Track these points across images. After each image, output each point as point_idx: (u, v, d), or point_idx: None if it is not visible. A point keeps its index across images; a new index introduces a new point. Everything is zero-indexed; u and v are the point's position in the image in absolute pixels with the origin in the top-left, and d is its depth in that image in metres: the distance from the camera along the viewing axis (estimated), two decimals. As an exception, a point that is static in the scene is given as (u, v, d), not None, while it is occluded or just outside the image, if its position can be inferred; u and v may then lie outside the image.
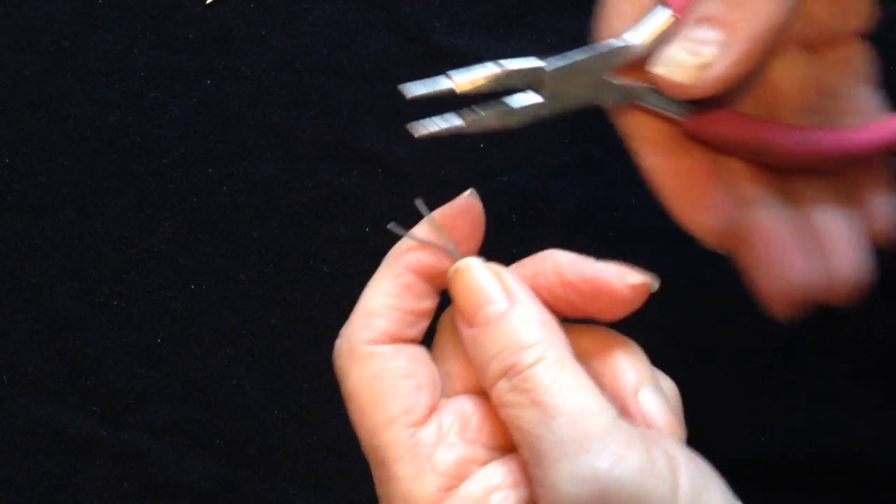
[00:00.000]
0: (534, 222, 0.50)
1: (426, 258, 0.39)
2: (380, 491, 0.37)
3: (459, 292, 0.38)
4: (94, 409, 0.50)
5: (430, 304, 0.39)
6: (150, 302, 0.51)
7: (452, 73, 0.38)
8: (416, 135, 0.38)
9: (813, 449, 0.49)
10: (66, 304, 0.51)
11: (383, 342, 0.38)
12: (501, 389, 0.35)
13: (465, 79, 0.38)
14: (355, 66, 0.52)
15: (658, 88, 0.37)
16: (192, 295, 0.51)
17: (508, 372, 0.35)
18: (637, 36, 0.37)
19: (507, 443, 0.37)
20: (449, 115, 0.39)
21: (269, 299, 0.51)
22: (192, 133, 0.51)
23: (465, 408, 0.37)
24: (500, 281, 0.37)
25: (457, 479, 0.36)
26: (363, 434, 0.37)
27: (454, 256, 0.38)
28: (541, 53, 0.51)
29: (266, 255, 0.51)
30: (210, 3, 0.52)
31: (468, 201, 0.40)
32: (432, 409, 0.37)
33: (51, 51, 0.52)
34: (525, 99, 0.38)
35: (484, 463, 0.37)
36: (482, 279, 0.37)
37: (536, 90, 0.38)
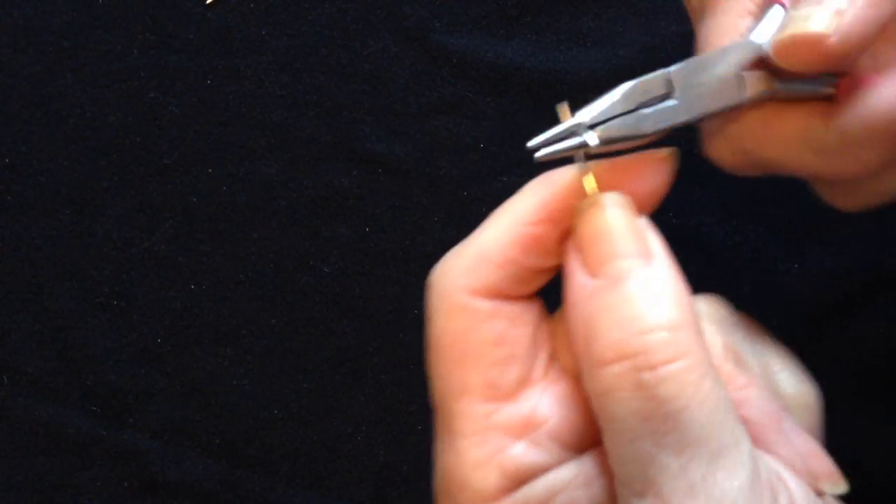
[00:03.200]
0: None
1: (566, 204, 0.32)
2: (437, 454, 0.32)
3: (588, 231, 0.31)
4: (94, 409, 0.50)
5: (556, 261, 0.32)
6: (150, 302, 0.51)
7: (581, 113, 0.33)
8: (538, 158, 0.33)
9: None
10: (66, 304, 0.51)
11: (485, 296, 0.32)
12: (612, 376, 0.28)
13: (592, 112, 0.33)
14: (355, 66, 0.52)
15: (790, 63, 0.33)
16: (192, 295, 0.51)
17: (632, 357, 0.28)
18: (759, 35, 0.35)
19: (593, 441, 0.31)
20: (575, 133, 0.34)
21: (269, 299, 0.51)
22: (192, 133, 0.51)
23: (563, 392, 0.32)
24: (644, 234, 0.31)
25: (523, 481, 0.31)
26: (436, 389, 0.32)
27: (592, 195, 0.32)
28: (541, 53, 0.51)
29: (266, 255, 0.51)
30: (210, 3, 0.52)
31: (659, 155, 0.33)
32: (522, 385, 0.32)
33: (51, 51, 0.52)
34: (657, 106, 0.34)
35: (559, 464, 0.31)
36: (625, 223, 0.31)
37: (666, 99, 0.34)
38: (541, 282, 0.33)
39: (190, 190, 0.51)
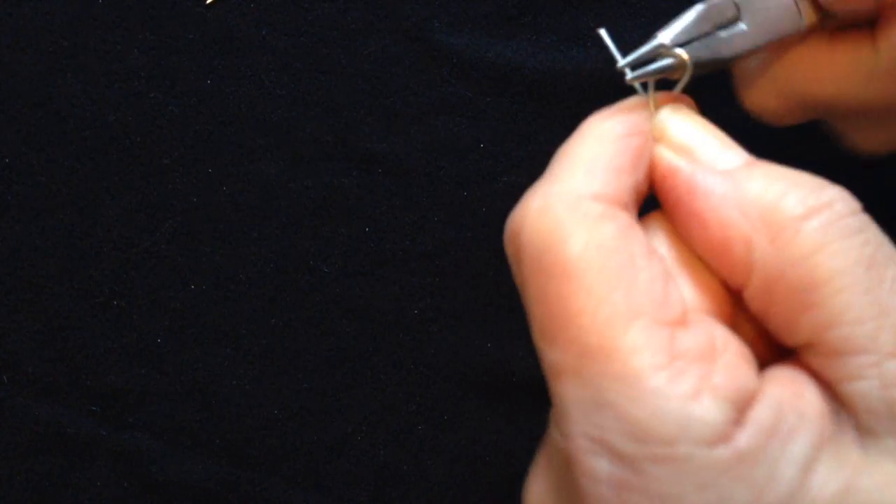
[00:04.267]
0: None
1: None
2: (588, 419, 0.26)
3: (688, 134, 0.29)
4: (94, 409, 0.50)
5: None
6: (150, 302, 0.51)
7: (662, 34, 0.33)
8: (628, 79, 0.31)
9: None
10: (66, 304, 0.51)
11: (618, 206, 0.28)
12: (816, 230, 0.26)
13: (673, 32, 0.33)
14: (355, 66, 0.52)
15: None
16: (192, 295, 0.51)
17: (826, 207, 0.26)
18: None
19: (766, 355, 0.29)
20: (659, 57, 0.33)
21: (269, 299, 0.50)
22: (192, 133, 0.51)
23: (718, 310, 0.28)
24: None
25: (747, 407, 0.26)
26: (582, 328, 0.26)
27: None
28: (541, 53, 0.51)
29: (266, 255, 0.51)
30: (210, 3, 0.52)
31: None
32: (685, 313, 0.27)
33: (51, 51, 0.52)
34: (731, 30, 0.33)
35: (765, 383, 0.27)
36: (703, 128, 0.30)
37: (735, 23, 0.33)
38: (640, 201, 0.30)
39: (190, 190, 0.51)
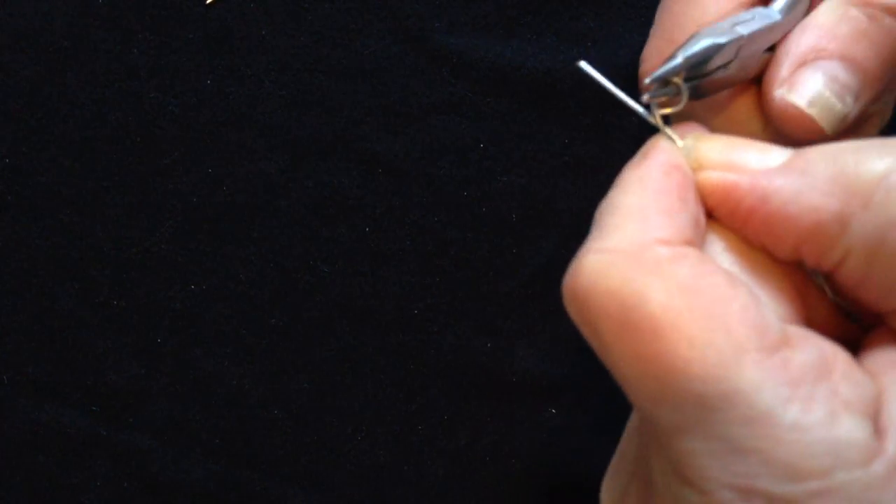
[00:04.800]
0: (534, 222, 0.50)
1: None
2: (736, 474, 0.25)
3: (728, 146, 0.29)
4: (94, 409, 0.50)
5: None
6: (150, 302, 0.51)
7: (680, 53, 0.32)
8: (646, 98, 0.32)
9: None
10: (66, 304, 0.51)
11: (683, 245, 0.27)
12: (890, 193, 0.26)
13: (690, 51, 0.32)
14: (355, 66, 0.51)
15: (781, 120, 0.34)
16: (192, 295, 0.51)
17: (889, 174, 0.26)
18: (792, 9, 0.35)
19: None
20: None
21: (269, 299, 0.50)
22: (192, 133, 0.51)
23: (812, 317, 0.28)
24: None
25: (875, 416, 0.26)
26: (688, 379, 0.24)
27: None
28: (541, 54, 0.51)
29: (266, 255, 0.51)
30: (210, 3, 0.52)
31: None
32: (785, 332, 0.26)
33: (51, 51, 0.52)
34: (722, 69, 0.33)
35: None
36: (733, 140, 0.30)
37: (731, 62, 0.34)
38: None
39: (190, 190, 0.51)
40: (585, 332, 0.27)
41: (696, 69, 0.32)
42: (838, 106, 0.32)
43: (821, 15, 0.34)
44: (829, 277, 0.29)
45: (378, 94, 0.51)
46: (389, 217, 0.51)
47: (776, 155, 0.29)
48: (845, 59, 0.33)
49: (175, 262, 0.51)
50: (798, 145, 0.30)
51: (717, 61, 0.33)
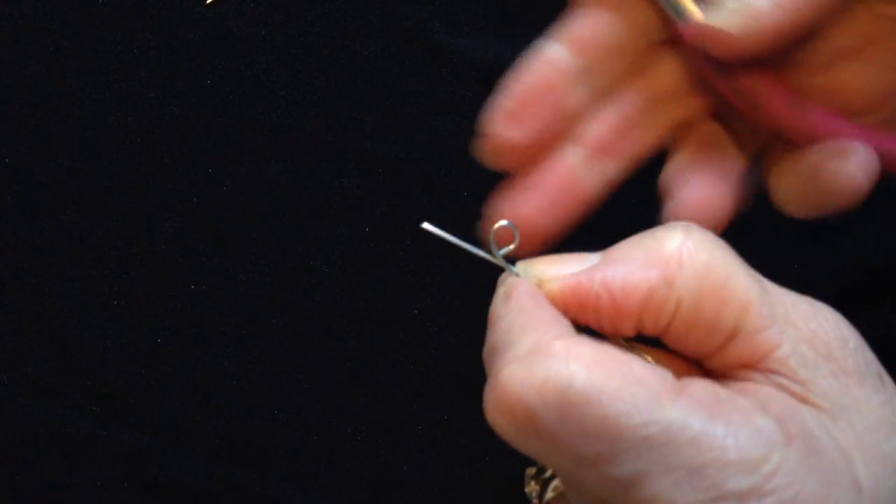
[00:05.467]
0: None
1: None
2: (701, 489, 0.30)
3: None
4: (94, 409, 0.50)
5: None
6: (150, 302, 0.51)
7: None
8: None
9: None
10: (66, 304, 0.51)
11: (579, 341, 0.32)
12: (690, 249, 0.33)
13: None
14: (355, 66, 0.52)
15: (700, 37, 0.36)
16: (192, 295, 0.51)
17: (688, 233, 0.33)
18: None
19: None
20: None
21: (269, 299, 0.51)
22: (192, 133, 0.51)
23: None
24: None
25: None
26: (631, 431, 0.30)
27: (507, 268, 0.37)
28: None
29: (266, 255, 0.51)
30: (210, 3, 0.52)
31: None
32: (678, 378, 0.32)
33: (51, 51, 0.52)
34: None
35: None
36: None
37: None
38: None
39: (190, 190, 0.51)
40: (523, 437, 0.31)
41: None
42: (737, 4, 0.35)
43: None
44: (662, 339, 0.34)
45: (378, 94, 0.51)
46: (389, 217, 0.51)
47: (591, 257, 0.35)
48: None
49: (175, 262, 0.51)
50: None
51: None
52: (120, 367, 0.50)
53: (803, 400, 0.32)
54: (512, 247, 0.38)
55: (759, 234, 0.50)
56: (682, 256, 0.33)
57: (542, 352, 0.31)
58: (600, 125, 0.39)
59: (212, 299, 0.51)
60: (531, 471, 0.40)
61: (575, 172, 0.39)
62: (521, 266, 0.37)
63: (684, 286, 0.33)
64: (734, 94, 0.38)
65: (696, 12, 0.36)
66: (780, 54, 0.37)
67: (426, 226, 0.38)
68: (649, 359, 0.35)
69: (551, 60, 0.39)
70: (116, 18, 0.52)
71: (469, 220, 0.51)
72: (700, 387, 0.31)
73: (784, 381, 0.32)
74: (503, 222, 0.38)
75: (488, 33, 0.52)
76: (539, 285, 0.35)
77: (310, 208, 0.51)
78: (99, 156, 0.51)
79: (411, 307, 0.50)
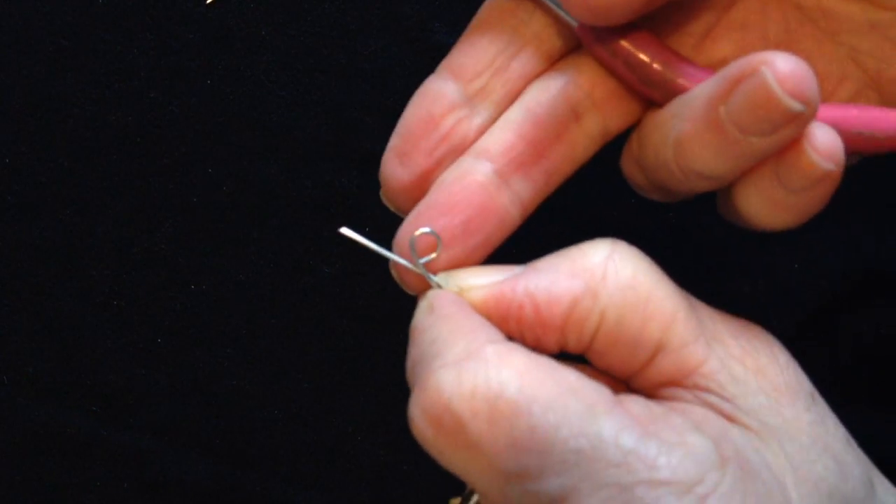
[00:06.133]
0: (534, 221, 0.50)
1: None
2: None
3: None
4: (94, 409, 0.50)
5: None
6: (150, 302, 0.51)
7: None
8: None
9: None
10: (66, 304, 0.51)
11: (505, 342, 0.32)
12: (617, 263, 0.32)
13: None
14: (355, 66, 0.52)
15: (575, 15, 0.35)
16: (192, 295, 0.51)
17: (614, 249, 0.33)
18: None
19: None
20: None
21: (269, 299, 0.51)
22: (192, 133, 0.51)
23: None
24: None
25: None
26: (562, 442, 0.28)
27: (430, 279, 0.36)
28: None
29: (266, 255, 0.51)
30: (210, 3, 0.52)
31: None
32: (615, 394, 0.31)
33: (51, 51, 0.52)
34: None
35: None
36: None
37: None
38: None
39: (190, 190, 0.51)
40: (449, 449, 0.30)
41: None
42: None
43: None
44: (587, 356, 0.33)
45: (378, 94, 0.51)
46: (389, 217, 0.51)
47: (515, 268, 0.34)
48: None
49: (175, 262, 0.51)
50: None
51: None
52: (120, 367, 0.50)
53: (732, 419, 0.31)
54: (434, 255, 0.36)
55: (757, 237, 0.50)
56: (607, 269, 0.32)
57: (473, 357, 0.30)
58: (502, 144, 0.37)
59: (212, 299, 0.51)
60: (455, 501, 0.39)
61: (487, 189, 0.37)
62: (442, 276, 0.36)
63: (608, 298, 0.32)
64: (621, 67, 0.36)
65: None
66: (659, 20, 0.36)
67: (344, 230, 0.37)
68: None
69: (433, 92, 0.37)
70: (116, 18, 0.52)
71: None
72: (635, 402, 0.31)
73: (713, 399, 0.31)
74: (425, 230, 0.36)
75: (488, 33, 0.52)
76: (461, 294, 0.34)
77: (310, 208, 0.51)
78: (99, 156, 0.51)
79: (411, 307, 0.50)
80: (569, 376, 0.30)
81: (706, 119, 0.32)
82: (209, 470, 0.50)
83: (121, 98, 0.52)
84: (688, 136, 0.33)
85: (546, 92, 0.37)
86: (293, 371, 0.50)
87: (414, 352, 0.34)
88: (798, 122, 0.31)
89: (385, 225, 0.51)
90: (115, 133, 0.51)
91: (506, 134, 0.37)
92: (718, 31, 0.37)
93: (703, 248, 0.50)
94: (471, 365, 0.30)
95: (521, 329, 0.33)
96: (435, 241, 0.36)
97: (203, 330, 0.50)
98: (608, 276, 0.32)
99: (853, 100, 0.37)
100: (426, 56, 0.52)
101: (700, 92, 0.33)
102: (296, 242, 0.51)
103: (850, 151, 0.34)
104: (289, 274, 0.51)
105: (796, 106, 0.30)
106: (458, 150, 0.37)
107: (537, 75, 0.37)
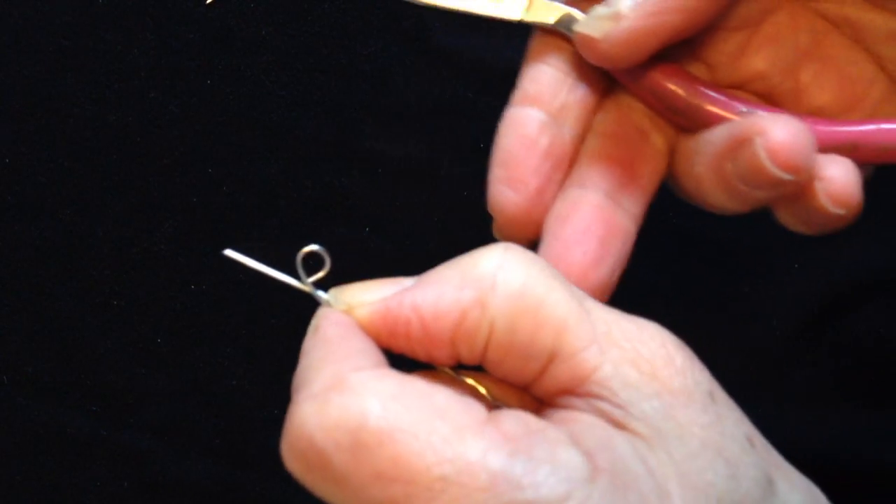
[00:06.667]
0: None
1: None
2: None
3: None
4: (94, 409, 0.50)
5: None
6: (150, 302, 0.51)
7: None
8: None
9: (814, 451, 0.49)
10: (66, 304, 0.51)
11: (382, 366, 0.32)
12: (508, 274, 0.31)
13: None
14: (355, 66, 0.52)
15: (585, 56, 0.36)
16: (192, 295, 0.51)
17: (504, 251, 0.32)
18: None
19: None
20: None
21: (268, 299, 0.51)
22: (192, 133, 0.51)
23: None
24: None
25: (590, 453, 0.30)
26: (425, 468, 0.28)
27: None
28: (541, 53, 0.51)
29: (266, 255, 0.51)
30: (210, 3, 0.52)
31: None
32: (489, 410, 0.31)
33: (51, 51, 0.52)
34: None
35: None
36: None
37: None
38: None
39: (190, 190, 0.51)
40: (319, 482, 0.30)
41: None
42: (602, 10, 0.35)
43: None
44: (483, 368, 0.33)
45: (378, 94, 0.51)
46: (389, 217, 0.51)
47: (407, 281, 0.34)
48: None
49: (175, 262, 0.51)
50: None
51: None
52: (120, 367, 0.50)
53: (622, 426, 0.30)
54: (322, 273, 0.36)
55: (758, 237, 0.50)
56: (496, 277, 0.31)
57: (337, 387, 0.29)
58: (598, 171, 0.38)
59: (212, 299, 0.51)
60: None
61: (605, 212, 0.37)
62: (332, 293, 0.35)
63: (497, 308, 0.31)
64: (649, 96, 0.37)
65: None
66: (692, 43, 0.37)
67: (228, 252, 0.36)
68: (480, 389, 0.33)
69: (521, 118, 0.38)
70: (116, 18, 0.52)
71: (469, 220, 0.51)
72: (512, 418, 0.30)
73: (604, 406, 0.31)
74: (313, 247, 0.36)
75: (488, 33, 0.52)
76: (349, 312, 0.34)
77: (310, 208, 0.51)
78: (99, 156, 0.51)
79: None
80: (438, 399, 0.29)
81: (716, 170, 0.34)
82: (209, 470, 0.50)
83: (121, 98, 0.52)
84: (705, 178, 0.35)
85: (613, 115, 0.38)
86: (293, 371, 0.50)
87: (295, 375, 0.34)
88: (795, 185, 0.33)
89: (385, 225, 0.51)
90: (115, 133, 0.51)
91: (595, 161, 0.38)
92: (752, 46, 0.38)
93: (704, 248, 0.50)
94: (333, 395, 0.30)
95: (410, 345, 0.33)
96: (323, 258, 0.36)
97: (203, 330, 0.50)
98: (497, 284, 0.31)
99: (882, 101, 0.38)
100: (426, 56, 0.52)
101: (715, 138, 0.35)
102: (296, 242, 0.51)
103: (866, 163, 0.35)
104: (289, 274, 0.51)
105: (786, 176, 0.32)
106: (562, 165, 0.38)
107: (603, 90, 0.39)
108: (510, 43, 0.51)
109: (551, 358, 0.31)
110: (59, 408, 0.50)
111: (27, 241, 0.51)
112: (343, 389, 0.29)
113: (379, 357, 0.32)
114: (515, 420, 0.30)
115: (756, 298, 0.49)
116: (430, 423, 0.28)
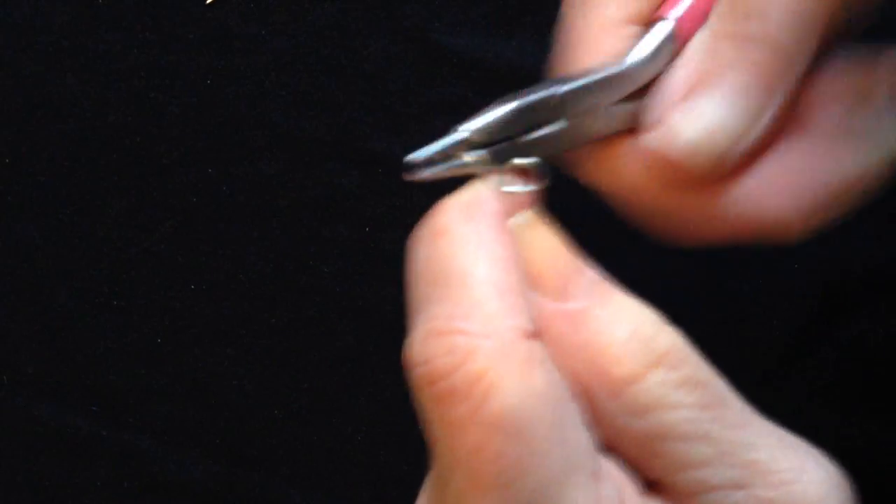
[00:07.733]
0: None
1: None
2: None
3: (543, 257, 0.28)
4: (94, 409, 0.50)
5: None
6: (150, 302, 0.51)
7: (461, 126, 0.32)
8: (409, 178, 0.31)
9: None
10: (66, 304, 0.51)
11: (534, 338, 0.26)
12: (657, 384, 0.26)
13: (478, 124, 0.32)
14: (355, 66, 0.52)
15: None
16: (192, 295, 0.51)
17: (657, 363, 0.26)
18: (641, 54, 0.33)
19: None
20: (455, 155, 0.32)
21: (269, 299, 0.50)
22: (192, 133, 0.51)
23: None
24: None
25: None
26: (520, 484, 0.24)
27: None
28: (541, 53, 0.51)
29: (266, 255, 0.51)
30: (210, 3, 0.52)
31: None
32: (599, 462, 0.27)
33: (51, 51, 0.52)
34: (545, 130, 0.32)
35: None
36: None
37: (553, 121, 0.32)
38: None
39: (190, 190, 0.51)
40: (436, 405, 0.27)
41: (495, 134, 0.31)
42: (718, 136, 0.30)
43: (691, 51, 0.32)
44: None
45: (378, 94, 0.51)
46: (389, 217, 0.51)
47: (579, 287, 0.29)
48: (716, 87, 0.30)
49: (175, 262, 0.51)
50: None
51: (521, 123, 0.31)
52: (120, 367, 0.50)
53: None
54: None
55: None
56: (628, 384, 0.27)
57: (493, 338, 0.26)
58: None
59: (212, 299, 0.51)
60: None
61: None
62: (520, 218, 0.31)
63: (612, 415, 0.27)
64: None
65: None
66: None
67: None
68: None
69: None
70: (116, 18, 0.52)
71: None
72: (612, 487, 0.26)
73: None
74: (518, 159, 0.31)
75: (488, 33, 0.52)
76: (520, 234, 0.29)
77: (310, 208, 0.51)
78: (99, 156, 0.51)
79: (411, 307, 0.50)
80: (569, 421, 0.26)
81: None
82: (209, 470, 0.50)
83: (121, 98, 0.51)
84: None
85: None
86: (293, 371, 0.50)
87: (431, 251, 0.29)
88: None
89: (385, 225, 0.51)
90: (115, 133, 0.51)
91: None
92: None
93: (704, 248, 0.49)
94: (493, 353, 0.25)
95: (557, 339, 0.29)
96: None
97: (203, 330, 0.50)
98: (623, 399, 0.27)
99: None
100: (426, 56, 0.51)
101: None
102: (296, 242, 0.51)
103: None
104: (289, 274, 0.51)
105: None
106: None
107: None
108: (510, 43, 0.51)
109: (661, 485, 0.27)
110: (59, 408, 0.50)
111: (27, 241, 0.51)
112: (503, 356, 0.25)
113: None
114: (613, 490, 0.26)
115: (756, 298, 0.49)
116: (549, 446, 0.24)
